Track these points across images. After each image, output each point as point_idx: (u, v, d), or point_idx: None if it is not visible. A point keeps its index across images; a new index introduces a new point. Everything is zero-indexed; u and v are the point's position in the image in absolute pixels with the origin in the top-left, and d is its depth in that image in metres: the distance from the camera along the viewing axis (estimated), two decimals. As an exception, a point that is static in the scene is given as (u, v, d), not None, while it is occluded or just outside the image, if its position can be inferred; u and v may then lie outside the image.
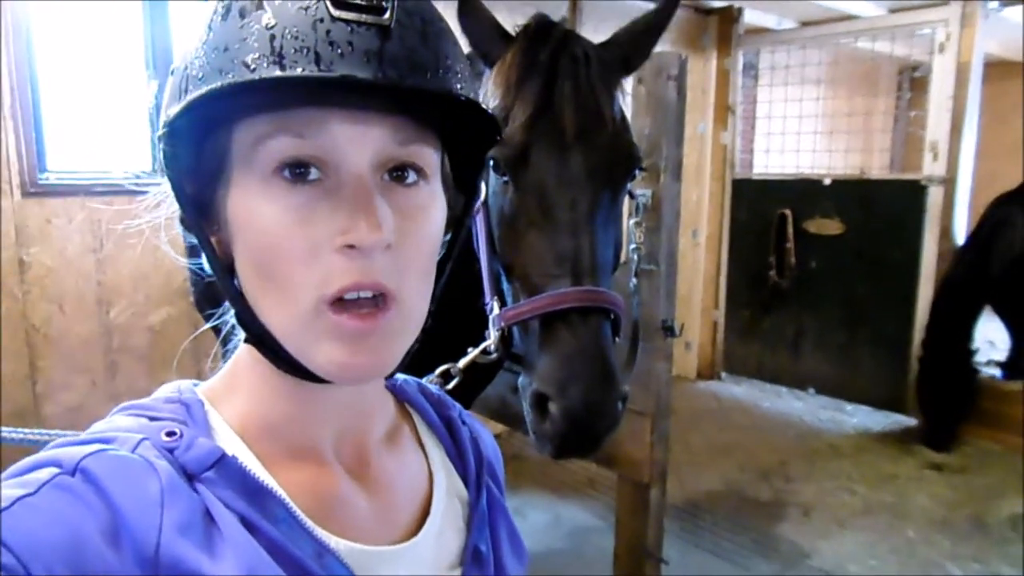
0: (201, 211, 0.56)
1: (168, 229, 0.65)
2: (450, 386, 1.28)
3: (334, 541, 0.54)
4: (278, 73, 0.48)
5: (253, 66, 0.48)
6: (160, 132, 0.53)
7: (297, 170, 0.51)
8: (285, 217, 0.50)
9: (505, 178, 1.29)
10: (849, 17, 4.89)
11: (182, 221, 0.57)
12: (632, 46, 1.45)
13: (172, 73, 0.54)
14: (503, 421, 2.49)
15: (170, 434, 0.51)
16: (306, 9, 0.49)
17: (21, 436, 1.11)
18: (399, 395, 0.71)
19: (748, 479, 3.81)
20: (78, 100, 2.94)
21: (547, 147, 1.26)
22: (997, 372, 4.66)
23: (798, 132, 5.20)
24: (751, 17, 5.22)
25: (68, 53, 2.91)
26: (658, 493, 2.26)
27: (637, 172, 1.38)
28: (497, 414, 2.43)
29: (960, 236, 4.42)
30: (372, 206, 0.50)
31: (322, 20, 0.49)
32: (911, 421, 4.45)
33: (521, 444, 4.03)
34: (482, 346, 1.32)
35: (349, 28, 0.49)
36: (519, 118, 1.27)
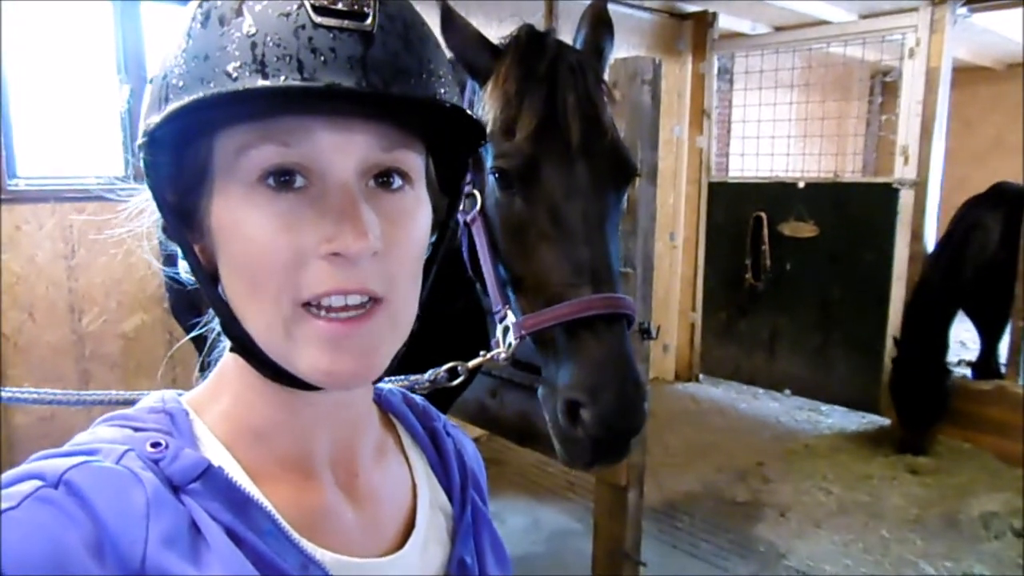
0: (183, 219, 0.55)
1: (150, 237, 0.64)
2: (455, 383, 1.31)
3: (320, 553, 0.54)
4: (261, 83, 0.47)
5: (235, 75, 0.48)
6: (140, 141, 0.52)
7: (282, 178, 0.50)
8: (270, 224, 0.50)
9: (512, 190, 1.30)
10: (822, 22, 4.96)
11: (164, 230, 0.57)
12: (593, 46, 1.48)
13: (151, 81, 0.53)
14: (481, 425, 2.49)
15: (155, 445, 0.51)
16: (287, 15, 0.49)
17: (22, 396, 1.09)
18: (383, 405, 0.70)
19: (725, 480, 3.84)
20: (48, 104, 2.90)
21: (555, 158, 1.28)
22: (968, 372, 4.75)
23: (772, 136, 5.27)
24: (725, 22, 5.28)
25: (37, 56, 2.86)
26: (636, 495, 2.27)
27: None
28: (475, 418, 2.42)
29: (931, 238, 4.50)
30: (358, 213, 0.50)
31: (304, 27, 0.48)
32: (885, 421, 4.52)
33: (501, 448, 4.03)
34: (495, 352, 1.35)
35: (331, 35, 0.49)
36: (524, 130, 1.28)
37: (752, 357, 5.40)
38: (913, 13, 4.38)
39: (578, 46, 1.48)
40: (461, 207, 1.37)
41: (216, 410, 0.57)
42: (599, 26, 1.49)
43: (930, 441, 4.20)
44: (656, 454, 3.95)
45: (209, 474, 0.51)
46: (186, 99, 0.48)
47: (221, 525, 0.50)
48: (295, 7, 0.49)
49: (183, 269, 0.58)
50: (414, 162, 0.56)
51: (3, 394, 1.09)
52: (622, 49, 4.97)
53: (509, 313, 1.33)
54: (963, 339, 6.22)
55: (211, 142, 0.52)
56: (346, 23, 0.49)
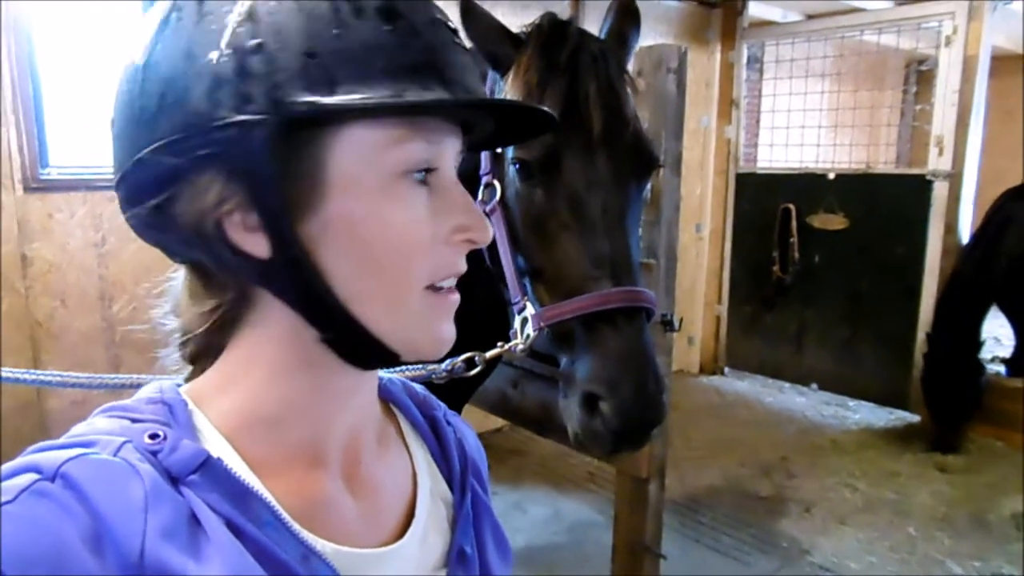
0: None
1: None
2: (472, 373, 1.31)
3: (320, 544, 0.54)
4: (462, 97, 0.54)
5: (426, 82, 0.52)
6: (282, 120, 0.48)
7: (425, 172, 0.55)
8: (416, 214, 0.54)
9: (533, 181, 1.29)
10: (855, 10, 4.85)
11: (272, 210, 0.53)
12: (618, 37, 1.46)
13: (257, 48, 0.49)
14: (502, 415, 2.49)
15: (153, 436, 0.50)
16: (432, 24, 0.54)
17: (23, 377, 1.11)
18: (383, 394, 0.70)
19: (749, 475, 3.81)
20: (80, 95, 2.94)
21: (576, 149, 1.27)
22: (1002, 369, 4.64)
23: (802, 126, 5.18)
24: (756, 10, 5.19)
25: (70, 47, 2.91)
26: (657, 488, 2.26)
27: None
28: (497, 408, 2.42)
29: (965, 232, 4.39)
30: (476, 207, 0.57)
31: (452, 42, 0.55)
32: (914, 418, 4.44)
33: (522, 439, 4.04)
34: (513, 343, 1.34)
35: (455, 41, 0.56)
36: None
37: (778, 350, 5.33)
38: (951, 0, 4.26)
39: (603, 36, 1.47)
40: (481, 197, 1.37)
41: (222, 401, 0.57)
42: (625, 16, 1.47)
43: (962, 439, 4.12)
44: (679, 447, 3.93)
45: (208, 465, 0.51)
46: (415, 98, 0.51)
47: (221, 517, 0.49)
48: (430, 15, 0.54)
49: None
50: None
51: (3, 374, 1.12)
52: (649, 38, 4.91)
53: (528, 304, 1.33)
54: (997, 335, 6.08)
55: (324, 133, 0.51)
56: (457, 38, 0.56)
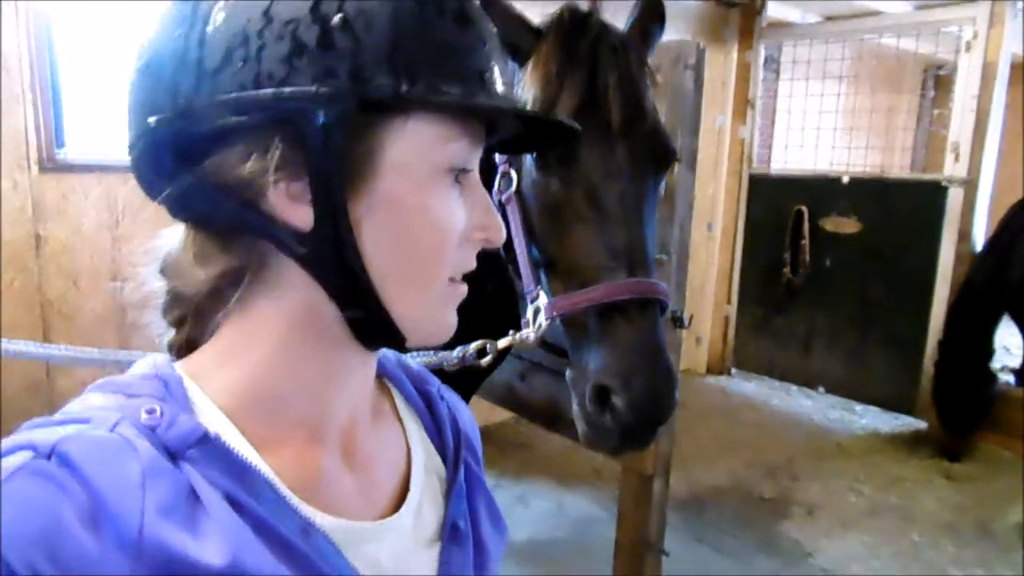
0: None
1: None
2: (484, 361, 1.32)
3: (319, 517, 0.54)
4: (524, 109, 0.61)
5: (489, 87, 0.55)
6: (361, 99, 0.49)
7: (463, 171, 0.57)
8: (453, 209, 0.57)
9: (550, 170, 1.29)
10: (874, 13, 4.81)
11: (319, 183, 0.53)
12: (641, 34, 1.45)
13: (342, 25, 0.49)
14: (510, 408, 2.49)
15: (150, 412, 0.50)
16: (493, 33, 0.58)
17: (23, 350, 1.12)
18: (379, 369, 0.70)
19: (754, 476, 3.80)
20: (97, 76, 2.95)
21: (594, 140, 1.26)
22: (1011, 379, 4.61)
23: (818, 128, 5.14)
24: (774, 10, 5.16)
25: (87, 29, 2.92)
26: (661, 485, 2.26)
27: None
28: (504, 400, 2.43)
29: (979, 239, 4.36)
30: (494, 209, 0.60)
31: (497, 43, 0.58)
32: (921, 423, 4.42)
33: (529, 433, 4.04)
34: (524, 332, 1.34)
35: (506, 58, 0.60)
36: (564, 110, 1.26)
37: (786, 353, 5.32)
38: (971, 5, 4.22)
39: (625, 30, 1.46)
40: (497, 186, 1.37)
41: (222, 375, 0.56)
42: (651, 12, 1.47)
43: (969, 447, 4.09)
44: (685, 447, 3.92)
45: (206, 440, 0.50)
46: (483, 102, 0.55)
47: (220, 492, 0.49)
48: (490, 26, 0.58)
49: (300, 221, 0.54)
50: None
51: (5, 346, 1.12)
52: (667, 35, 4.87)
53: (541, 294, 1.32)
54: (1007, 344, 6.04)
55: (393, 121, 0.53)
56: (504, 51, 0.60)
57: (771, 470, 3.86)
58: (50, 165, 2.85)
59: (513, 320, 1.51)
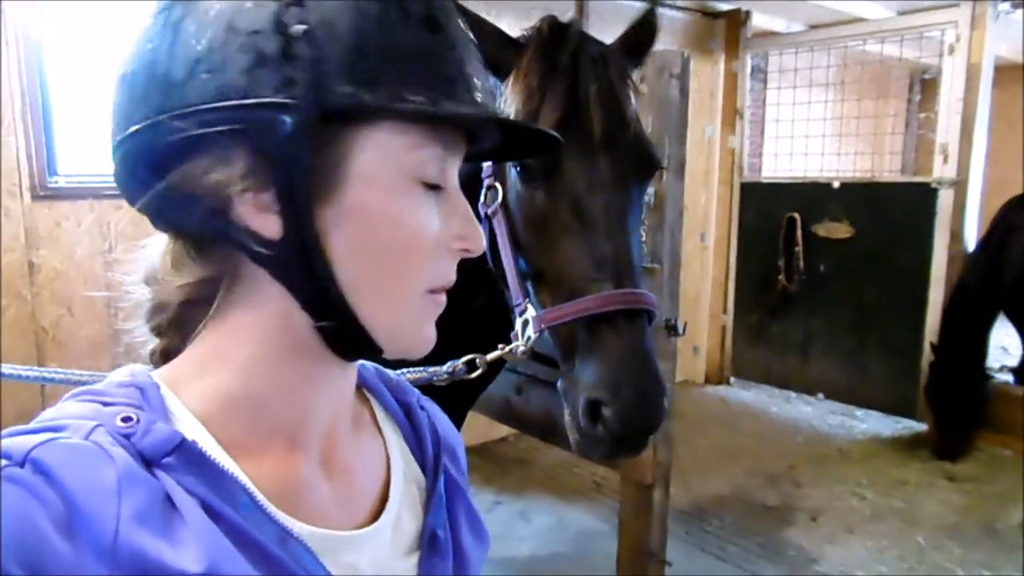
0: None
1: None
2: (473, 375, 1.31)
3: (297, 526, 0.54)
4: (496, 116, 0.57)
5: (459, 93, 0.54)
6: (322, 108, 0.49)
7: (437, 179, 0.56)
8: (425, 217, 0.56)
9: (534, 184, 1.29)
10: (858, 20, 4.87)
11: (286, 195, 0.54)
12: (632, 47, 1.46)
13: (306, 33, 0.49)
14: (507, 422, 2.49)
15: (125, 419, 0.49)
16: (466, 38, 0.57)
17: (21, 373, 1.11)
18: (357, 380, 0.69)
19: (756, 484, 3.78)
20: (88, 103, 2.97)
21: (578, 152, 1.27)
22: (1010, 378, 4.61)
23: (807, 135, 5.18)
24: (759, 20, 5.21)
25: (78, 56, 2.93)
26: (661, 494, 2.25)
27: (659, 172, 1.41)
28: (501, 415, 2.42)
29: (971, 240, 4.38)
30: (474, 218, 0.59)
31: (470, 49, 0.57)
32: (922, 426, 4.41)
33: (528, 448, 4.03)
34: (513, 345, 1.34)
35: (481, 65, 0.58)
36: (547, 123, 1.27)
37: (784, 360, 5.31)
38: (953, 9, 4.27)
39: (615, 41, 1.47)
40: (482, 199, 1.37)
41: (199, 383, 0.56)
42: (645, 27, 1.48)
43: (967, 448, 4.09)
44: (685, 457, 3.90)
45: (183, 448, 0.50)
46: (450, 109, 0.54)
47: (196, 499, 0.49)
48: (464, 31, 0.57)
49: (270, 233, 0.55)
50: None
51: (3, 370, 1.12)
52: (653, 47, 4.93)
53: (529, 307, 1.33)
54: (1005, 344, 6.04)
55: (356, 127, 0.52)
56: (480, 58, 0.59)
57: (773, 477, 3.85)
58: (43, 193, 2.85)
59: (503, 332, 1.51)
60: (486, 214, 1.38)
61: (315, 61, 0.49)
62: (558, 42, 1.34)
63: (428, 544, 0.63)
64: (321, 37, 0.50)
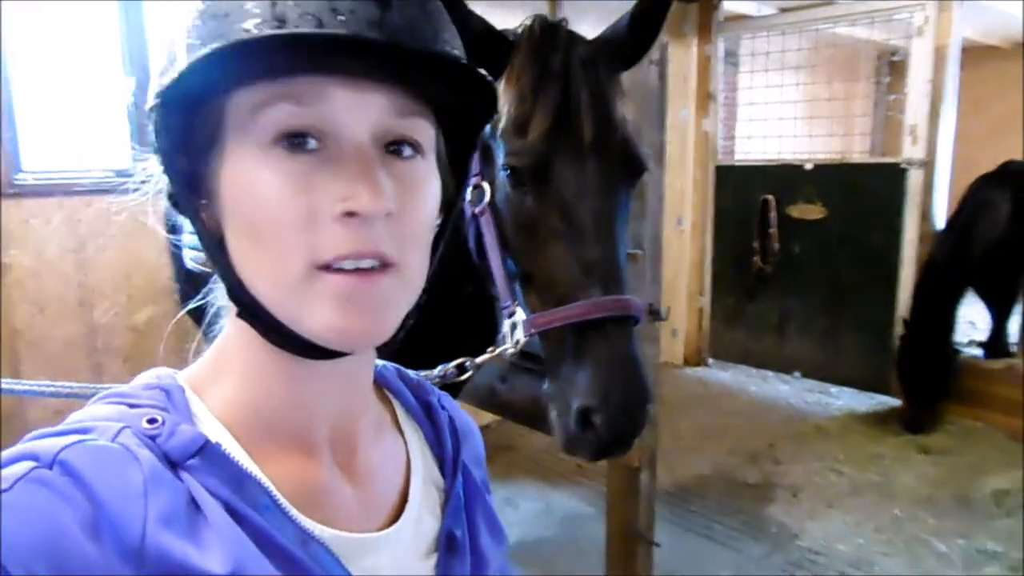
0: (191, 185, 0.55)
1: (157, 208, 0.64)
2: (463, 378, 1.32)
3: (319, 529, 0.54)
4: (282, 31, 0.47)
5: (253, 31, 0.48)
6: (151, 103, 0.51)
7: (296, 140, 0.50)
8: (284, 184, 0.50)
9: (524, 188, 1.30)
10: (828, 3, 4.91)
11: (170, 197, 0.56)
12: (630, 39, 1.42)
13: (167, 45, 0.53)
14: (492, 410, 2.49)
15: (151, 421, 0.50)
16: None
17: (23, 388, 1.10)
18: (379, 380, 0.70)
19: (737, 462, 3.84)
20: (53, 99, 2.90)
21: (567, 157, 1.28)
22: (979, 352, 4.73)
23: (779, 118, 5.23)
24: (731, 4, 5.24)
25: (42, 51, 2.86)
26: (648, 476, 2.28)
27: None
28: (486, 403, 2.43)
29: (940, 218, 4.47)
30: (373, 174, 0.50)
31: None
32: (895, 402, 4.50)
33: (512, 434, 4.04)
34: (502, 347, 1.35)
35: None
36: (537, 128, 1.27)
37: (761, 340, 5.39)
38: (920, -10, 4.33)
39: (622, 24, 1.43)
40: (469, 197, 1.37)
41: (215, 387, 0.57)
42: (646, 20, 1.41)
43: (936, 420, 4.19)
44: (667, 438, 3.95)
45: (207, 450, 0.50)
46: (203, 51, 0.48)
47: (220, 501, 0.49)
48: None
49: (188, 241, 0.58)
50: (426, 132, 0.56)
51: (2, 385, 1.10)
52: (626, 33, 4.93)
53: (518, 310, 1.34)
54: (973, 319, 6.19)
55: (225, 102, 0.52)
56: None
57: (753, 456, 3.91)
58: (9, 190, 2.78)
59: (491, 322, 1.51)
60: (473, 213, 1.39)
61: (172, 51, 0.52)
62: (549, 43, 1.33)
63: (446, 545, 0.64)
64: (186, 27, 0.52)
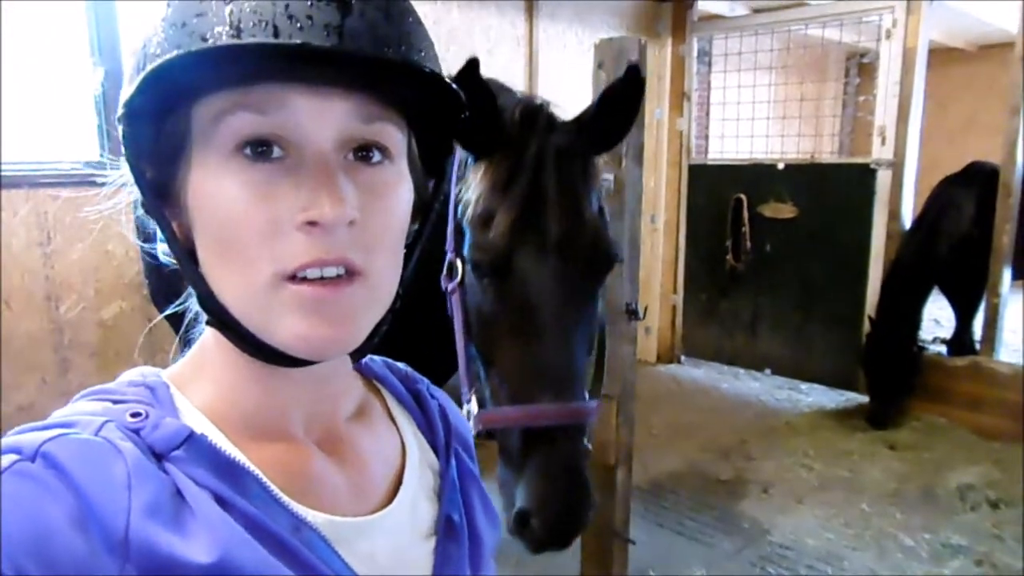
0: (161, 195, 0.55)
1: (129, 216, 0.63)
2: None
3: (311, 515, 0.54)
4: (233, 41, 0.47)
5: (211, 39, 0.47)
6: (119, 113, 0.51)
7: (258, 148, 0.50)
8: (245, 194, 0.49)
9: (486, 282, 1.29)
10: (800, 4, 4.98)
11: (142, 206, 0.56)
12: (607, 124, 1.39)
13: (133, 54, 0.53)
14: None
15: (135, 415, 0.50)
16: None
17: None
18: (366, 373, 0.71)
19: (709, 459, 3.89)
20: (20, 89, 2.82)
21: (530, 257, 1.27)
22: (943, 349, 4.84)
23: (751, 118, 5.29)
24: (704, 4, 5.29)
25: (8, 40, 2.78)
26: (624, 474, 2.29)
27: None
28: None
29: (907, 218, 4.56)
30: (334, 182, 0.49)
31: None
32: (863, 398, 4.59)
33: (486, 431, 4.04)
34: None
35: (308, 3, 0.48)
36: (502, 224, 1.26)
37: (733, 338, 5.46)
38: (890, -6, 4.41)
39: (604, 96, 1.38)
40: (444, 272, 1.37)
41: (196, 385, 0.57)
42: (631, 83, 1.37)
43: (899, 415, 4.29)
44: (640, 435, 3.97)
45: (192, 441, 0.51)
46: (159, 61, 0.48)
47: (208, 491, 0.49)
48: None
49: (161, 249, 0.58)
50: (394, 137, 0.55)
51: None
52: (602, 31, 4.95)
53: (474, 400, 1.35)
54: (937, 317, 6.33)
55: (189, 112, 0.52)
56: None
57: (725, 452, 3.96)
58: (-27, 183, 2.71)
59: (445, 355, 1.48)
60: (447, 288, 1.39)
61: (129, 77, 0.52)
62: (527, 131, 1.32)
63: (444, 528, 0.64)
64: (138, 51, 0.53)
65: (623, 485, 2.31)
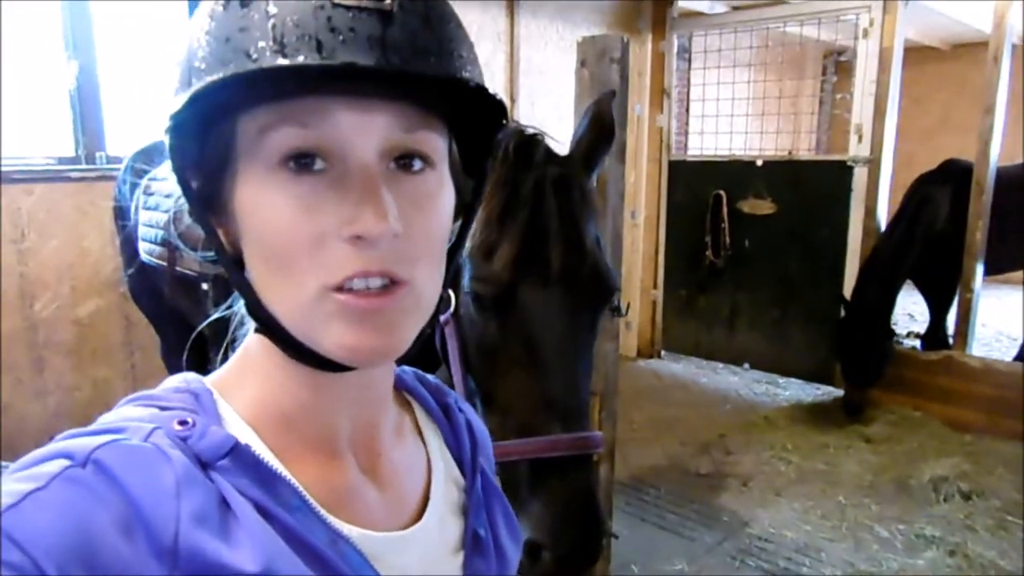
0: (208, 204, 0.56)
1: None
2: None
3: (347, 528, 0.55)
4: (280, 62, 0.47)
5: (255, 56, 0.48)
6: (166, 126, 0.52)
7: (302, 161, 0.50)
8: (289, 207, 0.50)
9: (488, 314, 1.28)
10: (778, 2, 5.02)
11: (189, 214, 0.57)
12: (591, 152, 1.44)
13: (176, 64, 0.53)
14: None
15: (182, 423, 0.51)
16: (278, 5, 0.49)
17: None
18: (398, 384, 0.71)
19: (689, 453, 3.93)
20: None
21: (533, 288, 1.26)
22: (917, 343, 4.92)
23: (730, 115, 5.33)
24: (685, 2, 5.32)
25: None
26: (607, 469, 2.31)
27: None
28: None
29: (883, 214, 4.63)
30: (378, 195, 0.50)
31: (323, 7, 0.48)
32: (840, 392, 4.66)
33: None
34: None
35: (350, 14, 0.48)
36: (504, 257, 1.26)
37: (712, 333, 5.51)
38: (867, -7, 4.46)
39: (575, 138, 1.44)
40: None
41: (242, 394, 0.57)
42: (600, 130, 1.45)
43: (871, 403, 4.37)
44: (621, 430, 3.99)
45: (237, 451, 0.51)
46: (206, 80, 0.48)
47: (250, 501, 0.50)
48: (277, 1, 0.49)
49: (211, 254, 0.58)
50: (436, 144, 0.55)
51: None
52: (583, 28, 4.96)
53: None
54: (911, 312, 6.44)
55: (234, 124, 0.52)
56: (365, 3, 0.49)
57: (705, 446, 4.00)
58: (-56, 178, 2.66)
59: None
60: (438, 320, 1.36)
61: (179, 75, 0.53)
62: (522, 163, 1.32)
63: (471, 544, 0.65)
64: (182, 62, 0.53)
65: (606, 480, 2.32)
